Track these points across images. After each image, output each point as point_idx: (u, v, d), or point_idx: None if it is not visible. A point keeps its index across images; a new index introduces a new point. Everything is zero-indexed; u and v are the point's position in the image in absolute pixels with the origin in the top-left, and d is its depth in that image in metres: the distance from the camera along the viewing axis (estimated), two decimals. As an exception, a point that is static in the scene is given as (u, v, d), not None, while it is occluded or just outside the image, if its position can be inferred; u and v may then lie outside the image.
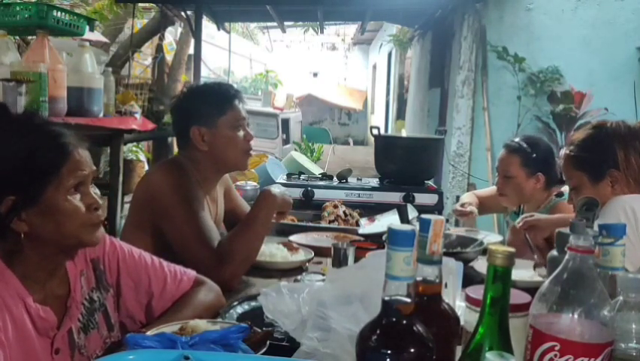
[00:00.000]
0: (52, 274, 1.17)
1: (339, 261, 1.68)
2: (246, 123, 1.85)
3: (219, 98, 1.81)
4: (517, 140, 2.40)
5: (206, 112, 1.78)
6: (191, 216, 1.67)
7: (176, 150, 2.17)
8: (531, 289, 0.93)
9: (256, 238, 1.70)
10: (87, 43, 2.60)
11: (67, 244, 1.15)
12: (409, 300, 0.73)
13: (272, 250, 1.94)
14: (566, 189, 2.41)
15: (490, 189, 2.70)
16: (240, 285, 1.68)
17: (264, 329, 1.14)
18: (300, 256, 1.95)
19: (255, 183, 3.25)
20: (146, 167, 4.93)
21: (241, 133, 1.83)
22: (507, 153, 2.39)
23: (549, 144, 2.53)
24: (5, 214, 1.06)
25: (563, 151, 1.95)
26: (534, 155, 2.33)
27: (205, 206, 1.78)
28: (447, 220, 2.47)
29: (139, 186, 1.85)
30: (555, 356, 0.80)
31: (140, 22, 6.14)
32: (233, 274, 1.63)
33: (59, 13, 2.54)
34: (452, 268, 1.05)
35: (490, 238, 2.29)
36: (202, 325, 1.12)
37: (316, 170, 5.95)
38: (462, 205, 2.53)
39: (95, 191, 1.18)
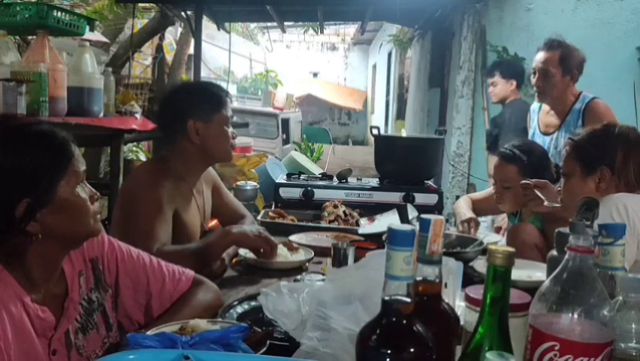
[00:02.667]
0: (51, 274, 1.18)
1: (339, 261, 1.68)
2: (231, 123, 1.95)
3: (214, 95, 1.92)
4: (511, 147, 2.34)
5: (203, 107, 1.87)
6: (146, 216, 1.71)
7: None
8: (531, 289, 0.93)
9: (190, 261, 1.60)
10: (87, 43, 2.60)
11: (79, 237, 1.19)
12: (408, 300, 0.73)
13: (272, 250, 1.94)
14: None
15: (486, 192, 2.67)
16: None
17: (264, 328, 1.14)
18: (300, 255, 1.95)
19: (255, 183, 3.25)
20: (146, 167, 4.91)
21: (230, 130, 1.93)
22: (502, 163, 2.34)
23: (542, 147, 2.50)
24: (21, 217, 1.09)
25: (568, 139, 1.95)
26: (531, 162, 2.29)
27: (167, 210, 1.77)
28: (447, 220, 2.46)
29: (124, 184, 1.92)
30: (555, 355, 0.80)
31: (140, 22, 6.13)
32: None
33: (59, 13, 2.54)
34: (452, 268, 1.05)
35: (490, 238, 2.29)
36: (202, 325, 1.12)
37: (316, 170, 5.95)
38: (466, 222, 2.40)
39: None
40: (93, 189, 1.21)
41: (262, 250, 1.80)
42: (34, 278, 1.14)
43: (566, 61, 2.62)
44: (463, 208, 2.59)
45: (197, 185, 1.98)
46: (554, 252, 1.33)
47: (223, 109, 1.90)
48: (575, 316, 0.81)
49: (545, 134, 2.75)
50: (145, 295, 1.32)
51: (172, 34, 7.61)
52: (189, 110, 1.86)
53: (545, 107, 2.77)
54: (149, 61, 6.82)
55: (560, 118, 2.68)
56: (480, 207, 2.60)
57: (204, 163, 1.96)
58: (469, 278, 1.62)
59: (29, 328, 1.10)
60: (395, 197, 2.92)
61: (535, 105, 2.87)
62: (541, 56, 2.68)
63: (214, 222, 2.16)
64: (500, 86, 3.98)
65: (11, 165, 1.10)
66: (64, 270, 1.21)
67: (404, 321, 0.74)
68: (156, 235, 1.69)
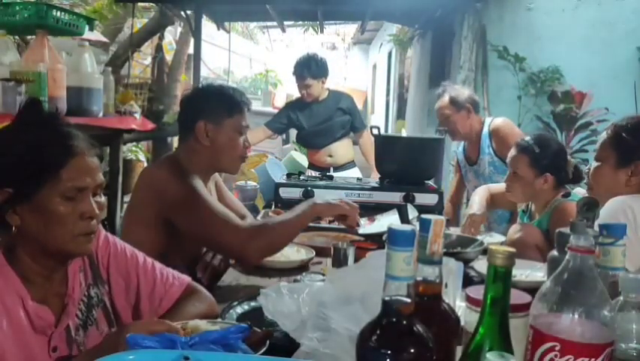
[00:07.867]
0: (51, 274, 1.17)
1: (339, 261, 1.68)
2: (246, 132, 1.92)
3: (231, 100, 1.88)
4: (527, 138, 2.38)
5: (216, 109, 1.85)
6: (207, 202, 1.72)
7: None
8: (531, 289, 0.93)
9: (287, 229, 1.75)
10: (87, 43, 2.60)
11: (53, 250, 1.13)
12: (409, 300, 0.73)
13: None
14: (577, 190, 2.40)
15: (504, 185, 2.67)
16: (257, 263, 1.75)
17: (264, 328, 1.14)
18: (302, 254, 1.96)
19: (254, 183, 3.25)
20: (146, 167, 4.91)
21: (242, 139, 1.90)
22: (516, 152, 2.37)
23: (561, 143, 2.51)
24: (1, 204, 1.06)
25: (611, 124, 1.91)
26: (543, 155, 2.30)
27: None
28: (447, 220, 2.44)
29: (140, 183, 1.88)
30: (555, 356, 0.80)
31: (139, 22, 6.13)
32: (259, 249, 1.68)
33: (59, 12, 2.54)
34: (452, 268, 1.04)
35: (491, 238, 2.29)
36: (202, 325, 1.12)
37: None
38: (469, 218, 2.50)
39: (97, 200, 1.15)
40: (94, 206, 1.13)
41: (347, 216, 1.85)
42: (33, 277, 1.13)
43: (454, 100, 3.01)
44: (476, 202, 2.59)
45: (207, 186, 1.96)
46: (555, 252, 1.33)
47: (237, 115, 1.87)
48: (576, 316, 0.80)
49: (472, 164, 3.14)
50: (135, 296, 1.31)
51: (172, 34, 7.60)
52: (202, 110, 1.85)
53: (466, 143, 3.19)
54: (148, 61, 6.81)
55: (476, 147, 3.08)
56: (497, 200, 2.62)
57: (210, 168, 1.92)
58: (470, 278, 1.62)
59: (26, 326, 1.09)
60: (395, 197, 2.91)
61: (459, 146, 3.32)
62: (437, 105, 3.09)
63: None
64: None
65: (7, 151, 1.07)
66: (67, 267, 1.21)
67: (404, 321, 0.73)
68: (228, 215, 1.72)
